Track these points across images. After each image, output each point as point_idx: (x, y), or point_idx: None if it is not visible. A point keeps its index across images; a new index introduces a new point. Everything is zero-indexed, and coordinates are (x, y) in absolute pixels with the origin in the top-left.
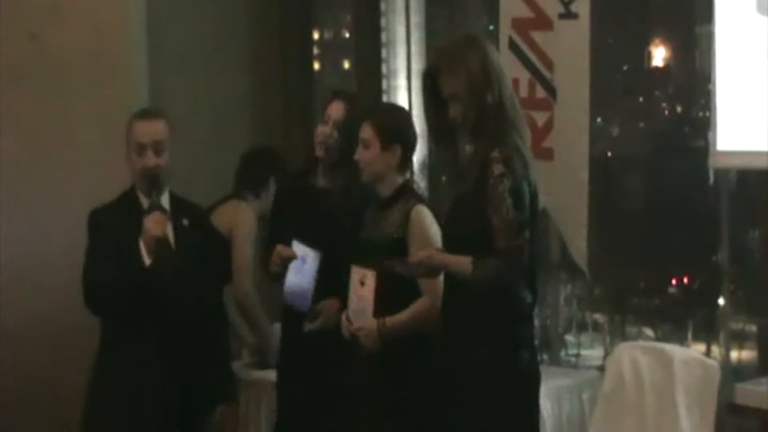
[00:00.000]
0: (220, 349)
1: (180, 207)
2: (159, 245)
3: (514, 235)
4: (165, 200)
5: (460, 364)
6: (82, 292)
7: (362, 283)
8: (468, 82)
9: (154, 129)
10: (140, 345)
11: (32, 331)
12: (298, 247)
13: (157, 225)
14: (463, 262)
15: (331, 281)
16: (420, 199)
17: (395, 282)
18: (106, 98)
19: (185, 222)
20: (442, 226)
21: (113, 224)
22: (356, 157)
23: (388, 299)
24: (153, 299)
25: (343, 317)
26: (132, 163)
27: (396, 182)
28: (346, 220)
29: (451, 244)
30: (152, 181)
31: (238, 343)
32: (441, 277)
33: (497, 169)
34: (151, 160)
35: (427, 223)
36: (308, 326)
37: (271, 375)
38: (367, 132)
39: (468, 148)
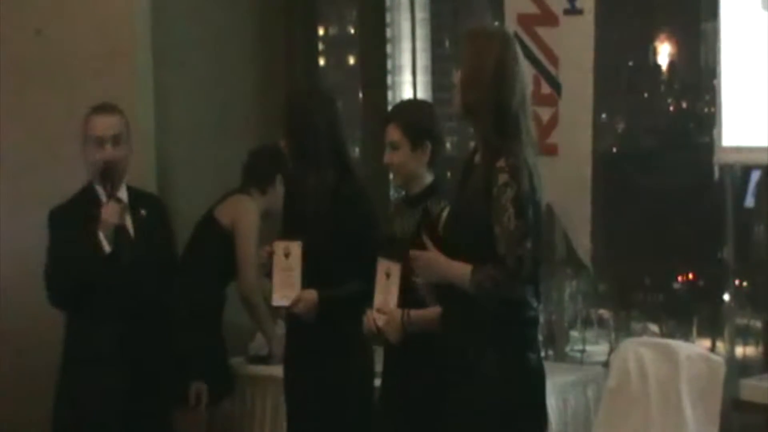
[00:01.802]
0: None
1: (138, 198)
2: (116, 233)
3: (515, 245)
4: (123, 192)
5: (467, 369)
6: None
7: (387, 275)
8: (468, 58)
9: (111, 122)
10: (103, 334)
11: (33, 328)
12: (280, 244)
13: (113, 213)
14: (462, 271)
15: (317, 273)
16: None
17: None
18: (110, 94)
19: (143, 212)
20: (441, 230)
21: (73, 221)
22: (385, 161)
23: (411, 300)
24: (115, 287)
25: (368, 312)
26: (90, 157)
27: (425, 180)
28: (324, 212)
29: (448, 249)
30: (111, 173)
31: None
32: None
33: (502, 178)
34: (109, 152)
35: None
36: (288, 309)
37: (275, 370)
38: (394, 134)
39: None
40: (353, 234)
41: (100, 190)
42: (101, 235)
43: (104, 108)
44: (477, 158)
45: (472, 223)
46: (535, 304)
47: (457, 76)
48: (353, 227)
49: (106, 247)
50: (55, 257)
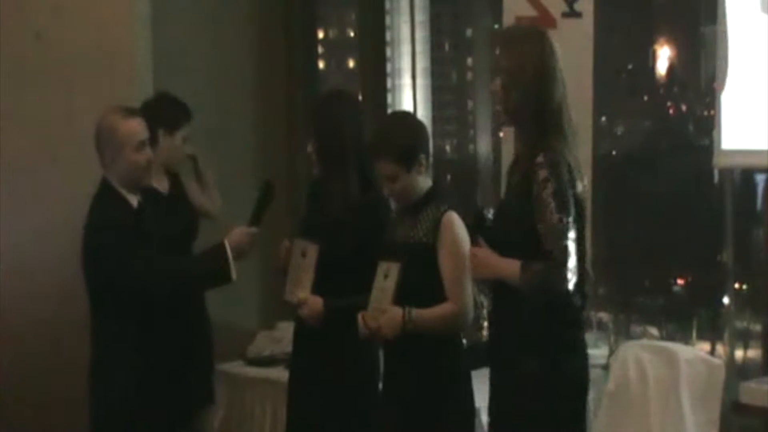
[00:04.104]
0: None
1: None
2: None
3: (560, 238)
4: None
5: (510, 372)
6: (127, 286)
7: (386, 276)
8: (511, 61)
9: (144, 124)
10: (154, 340)
11: (33, 329)
12: (299, 243)
13: (249, 243)
14: (512, 268)
15: (331, 276)
16: (450, 205)
17: (418, 286)
18: (109, 96)
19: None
20: (487, 229)
21: (126, 226)
22: (386, 193)
23: (410, 302)
24: None
25: (360, 315)
26: (129, 160)
27: (423, 187)
28: (345, 219)
29: (495, 248)
30: (149, 173)
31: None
32: (468, 287)
33: (541, 174)
34: (150, 153)
35: (458, 231)
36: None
37: (274, 373)
38: (386, 168)
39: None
40: (370, 243)
41: (126, 192)
42: (231, 258)
43: (132, 111)
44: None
45: (515, 220)
46: (579, 303)
47: (496, 83)
48: (371, 237)
49: (234, 274)
50: (141, 260)
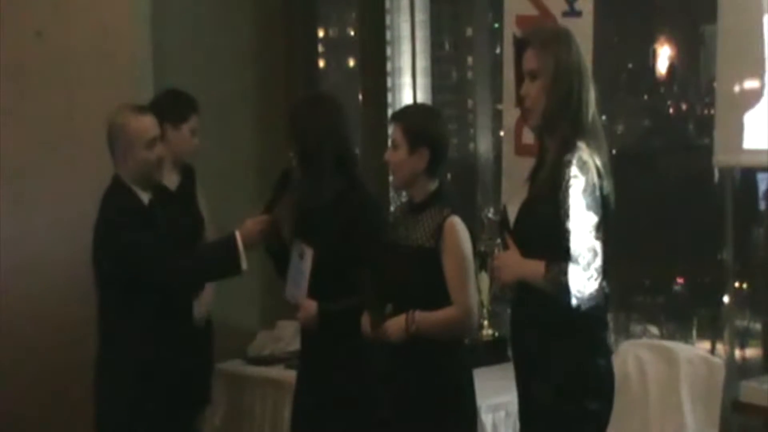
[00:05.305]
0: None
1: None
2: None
3: (586, 236)
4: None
5: (536, 374)
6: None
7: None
8: (552, 62)
9: (155, 122)
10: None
11: (33, 328)
12: (299, 245)
13: (261, 232)
14: (536, 268)
15: (321, 281)
16: (454, 209)
17: (419, 289)
18: (110, 95)
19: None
20: (513, 228)
21: (140, 221)
22: (386, 157)
23: (411, 304)
24: None
25: (365, 315)
26: (142, 157)
27: (427, 188)
28: (328, 222)
29: (521, 245)
30: (160, 169)
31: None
32: (473, 291)
33: (570, 172)
34: (161, 149)
35: (461, 236)
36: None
37: (274, 372)
38: (396, 133)
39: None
40: (358, 244)
41: (139, 190)
42: (241, 247)
43: (143, 109)
44: (547, 156)
45: (542, 217)
46: (602, 304)
47: (532, 86)
48: (358, 237)
49: (244, 264)
50: (162, 250)
